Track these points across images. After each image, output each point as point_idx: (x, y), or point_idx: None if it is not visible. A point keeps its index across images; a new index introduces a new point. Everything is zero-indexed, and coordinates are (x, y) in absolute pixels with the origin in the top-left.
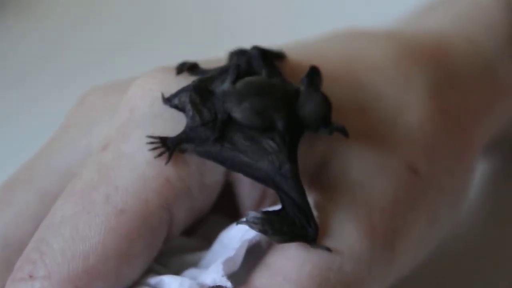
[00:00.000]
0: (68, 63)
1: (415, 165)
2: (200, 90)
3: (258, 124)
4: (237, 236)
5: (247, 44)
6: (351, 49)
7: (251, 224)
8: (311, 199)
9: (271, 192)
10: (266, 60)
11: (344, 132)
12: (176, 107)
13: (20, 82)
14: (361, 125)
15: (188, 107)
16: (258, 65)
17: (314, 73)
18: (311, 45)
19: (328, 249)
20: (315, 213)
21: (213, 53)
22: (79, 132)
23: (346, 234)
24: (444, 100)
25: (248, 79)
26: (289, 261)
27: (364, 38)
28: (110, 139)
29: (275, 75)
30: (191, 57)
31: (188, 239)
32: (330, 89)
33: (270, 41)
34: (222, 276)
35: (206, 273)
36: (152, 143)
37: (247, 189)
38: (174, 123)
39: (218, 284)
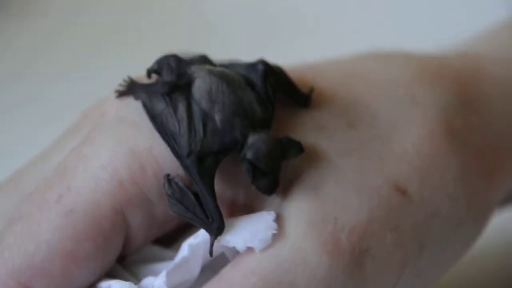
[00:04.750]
0: (55, 64)
1: (403, 185)
2: (179, 59)
3: (203, 103)
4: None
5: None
6: (361, 68)
7: (165, 189)
8: (278, 206)
9: (240, 199)
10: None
11: (265, 190)
12: (155, 71)
13: (8, 83)
14: (346, 141)
15: (165, 67)
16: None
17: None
18: (315, 64)
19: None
20: (272, 215)
21: None
22: (70, 141)
23: (306, 248)
24: (455, 123)
25: (224, 69)
26: (237, 272)
27: (383, 59)
28: (79, 143)
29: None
30: None
31: (163, 248)
32: (317, 105)
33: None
34: (164, 283)
35: (154, 280)
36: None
37: None
38: (136, 128)
39: None
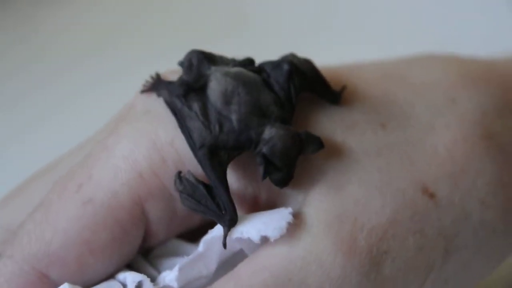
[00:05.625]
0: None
1: (431, 188)
2: (201, 57)
3: (218, 104)
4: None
5: None
6: (400, 70)
7: (177, 185)
8: (300, 204)
9: (263, 196)
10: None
11: (277, 183)
12: (182, 63)
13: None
14: (376, 141)
15: (186, 64)
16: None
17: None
18: (352, 64)
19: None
20: (289, 210)
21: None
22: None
23: (321, 246)
24: (494, 128)
25: (241, 70)
26: (250, 268)
27: (425, 61)
28: (105, 135)
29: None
30: None
31: (187, 243)
32: (349, 104)
33: None
34: (175, 277)
35: (168, 274)
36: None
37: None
38: (159, 121)
39: (167, 284)
